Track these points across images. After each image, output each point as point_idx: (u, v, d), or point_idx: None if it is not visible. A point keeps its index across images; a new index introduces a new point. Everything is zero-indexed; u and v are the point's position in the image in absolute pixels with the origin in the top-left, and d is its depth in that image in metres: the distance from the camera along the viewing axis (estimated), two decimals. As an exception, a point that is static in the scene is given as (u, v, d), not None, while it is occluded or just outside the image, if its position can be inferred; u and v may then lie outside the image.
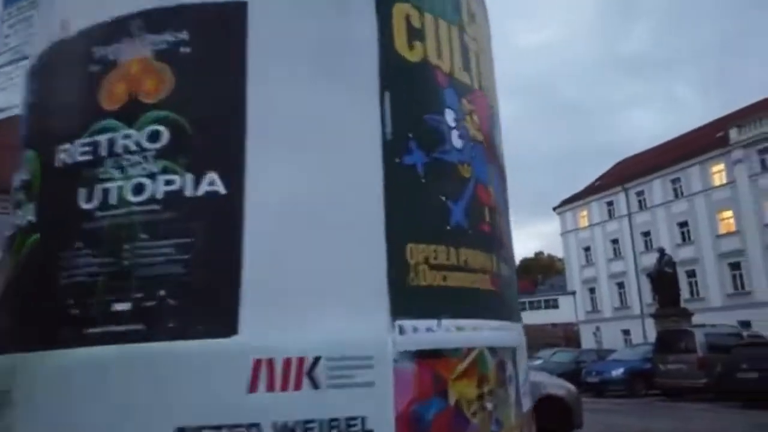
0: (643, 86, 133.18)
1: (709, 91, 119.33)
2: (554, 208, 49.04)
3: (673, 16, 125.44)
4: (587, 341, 42.72)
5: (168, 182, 1.13)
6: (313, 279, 1.11)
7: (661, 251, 24.23)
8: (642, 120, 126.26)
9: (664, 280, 22.74)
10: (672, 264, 23.05)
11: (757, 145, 32.88)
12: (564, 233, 47.82)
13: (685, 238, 37.02)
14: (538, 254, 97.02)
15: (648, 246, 38.71)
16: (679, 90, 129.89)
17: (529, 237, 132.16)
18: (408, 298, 1.15)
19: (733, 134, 34.23)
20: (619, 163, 49.33)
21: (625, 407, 12.67)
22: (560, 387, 6.94)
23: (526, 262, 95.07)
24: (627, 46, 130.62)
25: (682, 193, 37.50)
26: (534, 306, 48.11)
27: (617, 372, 14.40)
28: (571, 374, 16.49)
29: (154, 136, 1.15)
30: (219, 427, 1.00)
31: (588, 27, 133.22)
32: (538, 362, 20.83)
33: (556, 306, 47.25)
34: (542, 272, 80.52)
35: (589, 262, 44.91)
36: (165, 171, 1.13)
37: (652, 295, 26.06)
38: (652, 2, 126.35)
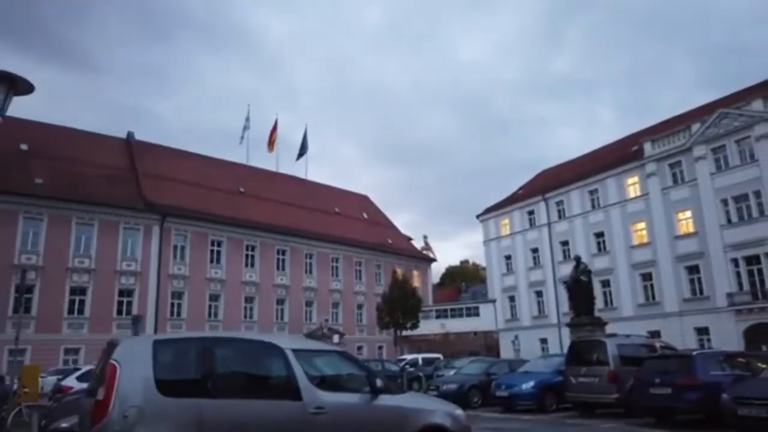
0: (568, 106, 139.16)
1: (627, 114, 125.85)
2: (478, 216, 48.88)
3: (594, 43, 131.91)
4: (506, 349, 42.63)
5: None
6: None
7: (578, 259, 23.88)
8: (567, 137, 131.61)
9: (579, 288, 22.37)
10: (587, 272, 22.69)
11: (668, 159, 33.79)
12: (486, 241, 47.72)
13: (601, 248, 37.56)
14: (464, 263, 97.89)
15: (566, 255, 39.08)
16: (601, 111, 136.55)
17: (460, 246, 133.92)
18: None
19: (647, 148, 35.08)
20: (540, 173, 49.95)
21: (529, 425, 11.57)
22: (446, 415, 5.51)
23: (452, 270, 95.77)
24: (554, 67, 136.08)
25: (599, 204, 38.12)
26: (456, 314, 47.65)
27: (527, 385, 13.29)
28: (483, 386, 15.40)
29: None
30: None
31: (519, 47, 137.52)
32: (451, 372, 19.68)
33: (477, 314, 46.96)
34: (466, 280, 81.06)
35: (509, 270, 44.94)
36: None
37: (569, 304, 25.73)
38: (576, 29, 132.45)
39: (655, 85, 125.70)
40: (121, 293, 32.93)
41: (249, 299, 39.12)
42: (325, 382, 5.06)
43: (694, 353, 10.81)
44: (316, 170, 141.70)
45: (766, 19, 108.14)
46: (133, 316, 22.71)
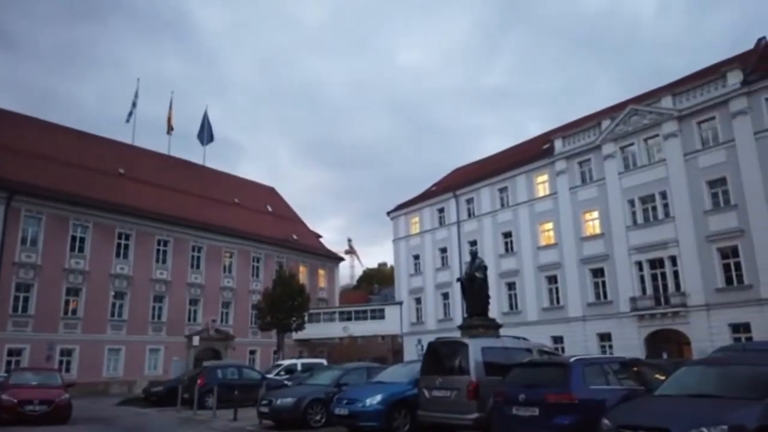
0: (501, 117, 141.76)
1: (553, 127, 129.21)
2: (388, 213, 46.09)
3: (527, 59, 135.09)
4: (410, 354, 39.94)
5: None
6: None
7: (473, 254, 21.51)
8: (500, 146, 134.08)
9: (474, 285, 19.87)
10: (483, 269, 20.12)
11: (578, 157, 32.34)
12: (396, 240, 45.01)
13: (508, 249, 35.68)
14: (382, 265, 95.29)
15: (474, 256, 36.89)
16: (529, 124, 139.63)
17: (388, 250, 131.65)
18: None
19: (558, 145, 33.55)
20: (455, 171, 47.99)
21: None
22: None
23: (369, 273, 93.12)
24: (489, 80, 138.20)
25: (508, 203, 36.26)
26: (360, 316, 44.43)
27: (372, 401, 10.14)
28: (330, 400, 12.12)
29: None
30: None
31: (458, 55, 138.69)
32: (309, 379, 16.12)
33: (382, 317, 44.00)
34: (382, 283, 78.48)
35: (417, 270, 42.41)
36: None
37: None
38: (511, 43, 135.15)
39: (583, 103, 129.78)
40: (-54, 283, 27.27)
41: (119, 294, 34.07)
42: None
43: (571, 360, 8.00)
44: (246, 167, 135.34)
45: (683, 49, 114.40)
46: None
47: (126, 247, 34.87)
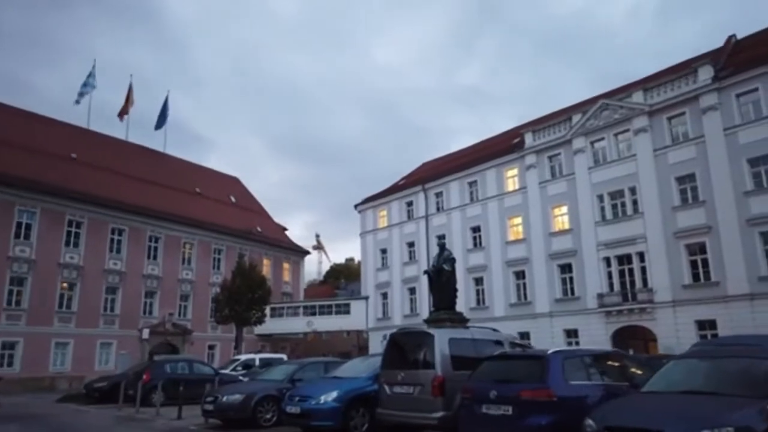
0: (474, 116, 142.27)
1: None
2: (356, 206, 45.04)
3: (502, 59, 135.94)
4: (376, 350, 39.00)
5: None
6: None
7: (441, 246, 20.72)
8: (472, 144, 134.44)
9: (442, 278, 19.20)
10: (451, 261, 19.51)
11: (548, 152, 31.94)
12: (363, 233, 43.99)
13: (477, 244, 35.09)
14: (349, 260, 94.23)
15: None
16: (503, 124, 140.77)
17: (356, 246, 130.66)
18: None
19: (528, 139, 33.10)
20: (424, 164, 47.28)
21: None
22: None
23: (336, 268, 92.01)
24: (464, 79, 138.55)
25: (477, 197, 35.67)
26: (324, 311, 43.28)
27: (327, 398, 9.16)
28: (283, 397, 11.08)
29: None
30: None
31: (434, 54, 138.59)
32: (261, 374, 15.01)
33: (347, 311, 42.96)
34: (349, 278, 77.47)
35: (384, 265, 41.51)
36: None
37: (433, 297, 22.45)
38: (486, 43, 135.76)
39: (555, 105, 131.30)
40: None
41: (69, 285, 32.18)
42: None
43: (549, 352, 7.19)
44: (216, 161, 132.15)
45: (653, 53, 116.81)
46: None
47: (77, 235, 32.95)
